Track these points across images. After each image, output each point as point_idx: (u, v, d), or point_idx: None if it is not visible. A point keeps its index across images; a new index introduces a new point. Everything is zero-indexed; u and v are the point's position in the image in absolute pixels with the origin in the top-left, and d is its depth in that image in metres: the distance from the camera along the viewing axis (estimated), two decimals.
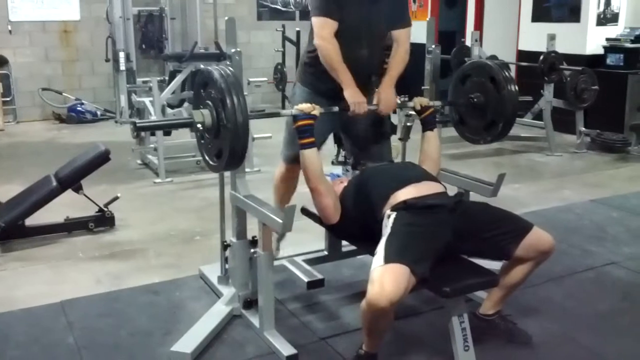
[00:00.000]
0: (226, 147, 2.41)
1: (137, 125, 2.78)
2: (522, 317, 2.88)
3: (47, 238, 4.03)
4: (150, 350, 2.74)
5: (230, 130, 2.35)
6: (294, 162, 3.01)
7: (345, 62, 2.74)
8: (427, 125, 3.02)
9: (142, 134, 5.94)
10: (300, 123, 2.62)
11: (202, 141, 2.60)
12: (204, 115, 2.45)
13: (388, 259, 2.29)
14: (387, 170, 2.85)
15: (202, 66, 6.45)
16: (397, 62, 3.03)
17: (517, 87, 2.93)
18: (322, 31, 2.82)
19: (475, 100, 3.01)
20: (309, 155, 2.64)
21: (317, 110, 2.64)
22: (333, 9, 2.81)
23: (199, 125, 2.46)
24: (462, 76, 3.11)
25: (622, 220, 4.50)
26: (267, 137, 5.17)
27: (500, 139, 3.06)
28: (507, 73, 2.96)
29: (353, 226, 2.74)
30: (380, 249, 2.36)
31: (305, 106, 2.63)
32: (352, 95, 2.76)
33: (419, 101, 3.00)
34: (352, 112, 2.80)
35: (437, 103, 3.03)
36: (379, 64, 3.10)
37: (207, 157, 2.61)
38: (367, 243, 2.70)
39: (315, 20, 2.84)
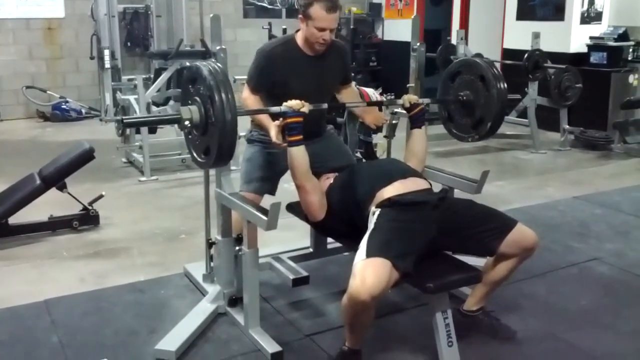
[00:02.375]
0: (214, 144, 2.39)
1: (124, 121, 2.74)
2: (505, 313, 2.91)
3: (30, 237, 4.01)
4: (135, 349, 2.74)
5: (219, 127, 2.33)
6: (258, 190, 3.02)
7: None
8: (416, 122, 3.00)
9: (127, 131, 5.91)
10: (289, 120, 2.60)
11: (190, 137, 2.58)
12: (191, 112, 2.43)
13: (370, 253, 2.31)
14: (373, 168, 2.86)
15: (188, 64, 6.47)
16: (354, 97, 3.23)
17: (506, 86, 2.92)
18: (245, 93, 2.98)
19: (464, 98, 3.01)
20: (296, 152, 2.62)
21: (306, 107, 2.62)
22: (259, 85, 2.95)
23: (186, 122, 2.43)
24: (452, 74, 3.11)
25: (605, 216, 4.54)
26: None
27: (488, 137, 3.06)
28: (496, 71, 2.96)
29: (339, 223, 2.75)
30: (363, 243, 2.37)
31: (294, 103, 2.60)
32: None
33: (408, 98, 2.97)
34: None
35: (427, 100, 3.03)
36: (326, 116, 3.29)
37: (194, 154, 2.58)
38: (352, 240, 2.70)
39: (245, 86, 3.00)
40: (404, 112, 3.54)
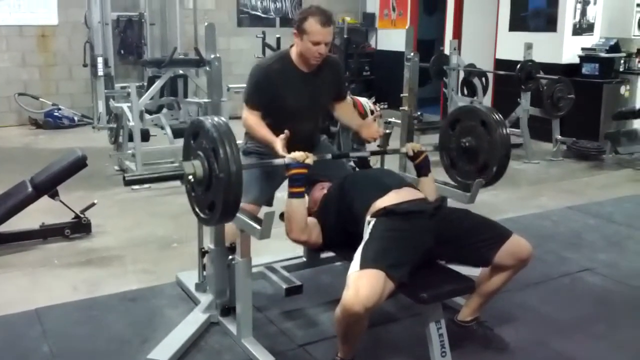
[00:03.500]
0: (219, 199, 2.30)
1: (126, 179, 2.65)
2: (498, 323, 2.90)
3: (22, 244, 3.98)
4: (127, 358, 2.72)
5: (224, 181, 2.25)
6: (256, 201, 3.01)
7: (291, 135, 2.74)
8: (422, 170, 2.95)
9: (120, 139, 5.90)
10: (293, 172, 2.56)
11: (193, 194, 2.48)
12: (195, 167, 2.35)
13: (364, 264, 2.30)
14: (368, 179, 2.84)
15: (181, 71, 6.47)
16: (351, 113, 3.30)
17: (508, 130, 2.90)
18: (245, 113, 2.97)
19: (466, 144, 2.97)
20: (296, 205, 2.59)
21: (310, 159, 2.58)
22: (258, 103, 2.95)
23: (190, 177, 2.36)
24: (452, 121, 3.08)
25: (597, 227, 4.56)
26: None
27: (494, 183, 3.01)
28: (497, 116, 2.92)
29: (333, 234, 2.74)
30: (358, 254, 2.37)
31: (298, 155, 2.57)
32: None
33: (411, 147, 2.94)
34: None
35: (429, 147, 3.01)
36: (320, 127, 3.35)
37: (197, 210, 2.48)
38: (346, 249, 2.70)
39: (244, 104, 3.00)
40: (398, 122, 3.57)
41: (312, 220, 2.73)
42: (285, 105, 2.92)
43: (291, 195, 2.58)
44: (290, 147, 2.71)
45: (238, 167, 2.26)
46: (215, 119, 2.37)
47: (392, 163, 3.51)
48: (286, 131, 2.67)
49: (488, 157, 2.91)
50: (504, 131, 2.88)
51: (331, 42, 2.95)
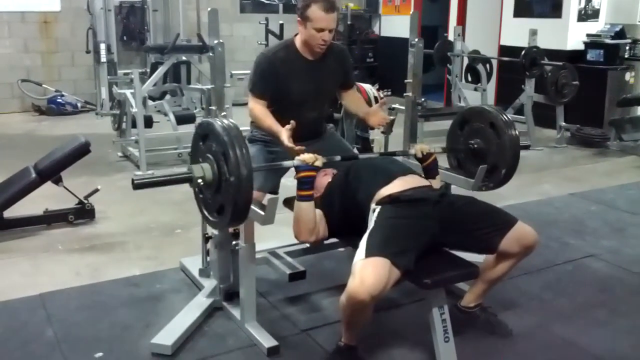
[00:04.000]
0: (229, 203, 2.26)
1: (135, 182, 2.62)
2: (501, 309, 2.91)
3: (25, 230, 3.99)
4: (130, 343, 2.73)
5: (234, 185, 2.21)
6: (261, 188, 2.98)
7: (297, 124, 2.73)
8: (430, 173, 2.91)
9: (123, 125, 5.90)
10: (302, 174, 2.53)
11: (201, 196, 2.44)
12: (204, 170, 2.31)
13: (369, 252, 2.30)
14: (373, 167, 2.82)
15: (184, 57, 6.45)
16: (357, 101, 3.26)
17: (517, 132, 2.86)
18: (251, 103, 2.96)
19: (475, 146, 2.94)
20: (305, 208, 2.57)
21: (319, 161, 2.55)
22: (264, 91, 2.94)
23: (199, 181, 2.32)
24: (460, 122, 3.05)
25: (600, 213, 4.55)
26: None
27: (502, 185, 2.99)
28: (506, 117, 2.88)
29: (338, 222, 2.73)
30: (363, 242, 2.36)
31: (307, 157, 2.54)
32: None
33: (420, 148, 2.90)
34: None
35: (438, 149, 2.98)
36: (325, 115, 3.32)
37: (206, 213, 2.44)
38: (349, 235, 2.71)
39: (249, 94, 2.99)
40: (402, 107, 3.56)
41: (318, 213, 2.71)
42: (290, 94, 2.91)
43: (300, 198, 2.56)
44: (295, 135, 2.71)
45: (249, 171, 2.22)
46: (225, 121, 2.33)
47: (395, 149, 3.50)
48: (292, 122, 2.66)
49: (496, 160, 2.88)
50: (513, 134, 2.84)
51: (335, 28, 2.94)
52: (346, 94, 3.20)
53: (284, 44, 3.08)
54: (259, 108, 2.94)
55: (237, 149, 2.21)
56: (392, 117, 3.72)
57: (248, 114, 3.01)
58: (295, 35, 3.00)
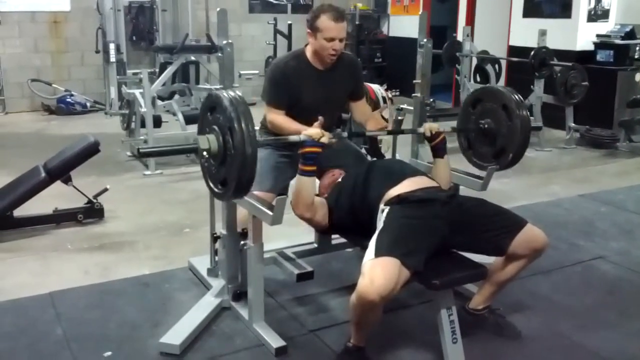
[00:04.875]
0: (232, 176, 2.29)
1: (141, 151, 2.66)
2: (510, 311, 2.90)
3: (35, 229, 4.01)
4: (139, 342, 2.74)
5: (238, 159, 2.23)
6: (272, 189, 3.00)
7: None
8: (438, 152, 2.91)
9: (132, 125, 5.92)
10: (307, 149, 2.53)
11: (206, 164, 2.46)
12: (209, 141, 2.33)
13: (379, 253, 2.29)
14: (381, 169, 2.82)
15: (192, 57, 6.47)
16: (365, 114, 3.21)
17: (529, 114, 2.84)
18: (270, 115, 2.97)
19: (485, 126, 2.94)
20: (306, 182, 2.58)
21: (325, 138, 2.55)
22: (281, 101, 2.95)
23: (204, 152, 2.34)
24: (473, 100, 3.05)
25: (610, 215, 4.53)
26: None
27: (509, 168, 2.97)
28: (519, 99, 2.86)
29: (347, 221, 2.73)
30: (372, 243, 2.36)
31: (314, 132, 2.54)
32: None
33: (429, 127, 2.88)
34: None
35: (447, 129, 2.97)
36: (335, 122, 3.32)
37: (211, 184, 2.47)
38: (357, 236, 2.71)
39: (266, 107, 3.00)
40: (410, 108, 3.55)
41: (320, 200, 2.74)
42: (300, 103, 2.93)
43: (302, 172, 2.57)
44: None
45: (253, 146, 2.24)
46: (232, 94, 2.35)
47: (403, 149, 3.50)
48: (320, 118, 2.64)
49: (506, 143, 2.88)
50: (525, 115, 2.83)
51: (345, 38, 2.95)
52: (355, 105, 3.19)
53: (295, 54, 3.09)
54: (280, 118, 2.95)
55: (243, 125, 2.23)
56: (400, 117, 3.73)
57: (269, 127, 3.01)
58: (306, 45, 3.02)
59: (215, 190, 2.46)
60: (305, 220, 2.72)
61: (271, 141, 3.01)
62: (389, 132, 3.18)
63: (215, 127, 2.35)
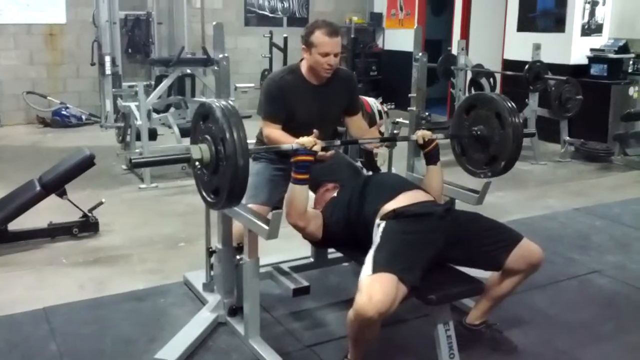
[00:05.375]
0: (225, 186, 2.29)
1: (133, 161, 2.67)
2: (506, 325, 2.89)
3: (30, 243, 3.99)
4: (134, 358, 2.72)
5: (230, 169, 2.24)
6: (267, 202, 3.00)
7: None
8: (431, 159, 2.93)
9: (128, 138, 5.91)
10: (299, 158, 2.53)
11: (199, 173, 2.46)
12: (202, 151, 2.34)
13: (376, 269, 2.29)
14: (376, 183, 2.82)
15: (188, 70, 6.48)
16: (361, 128, 3.21)
17: (522, 123, 2.86)
18: (267, 130, 2.96)
19: (478, 133, 2.95)
20: (299, 191, 2.57)
21: (318, 146, 2.54)
22: (277, 115, 2.95)
23: (196, 162, 2.35)
24: (467, 107, 3.06)
25: (605, 228, 4.54)
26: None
27: (501, 175, 2.99)
28: (512, 107, 2.87)
29: (342, 235, 2.73)
30: (369, 258, 2.35)
31: (306, 140, 2.53)
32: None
33: (422, 134, 2.89)
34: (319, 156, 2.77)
35: (440, 136, 2.99)
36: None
37: (203, 193, 2.47)
38: (353, 250, 2.70)
39: (263, 122, 3.00)
40: (406, 122, 3.56)
41: (314, 211, 2.74)
42: (295, 117, 2.93)
43: (295, 181, 2.55)
44: None
45: (245, 156, 2.25)
46: (224, 103, 2.36)
47: (399, 163, 3.50)
48: (315, 131, 2.64)
49: (498, 150, 2.90)
50: (517, 126, 2.84)
51: (340, 53, 2.96)
52: (351, 120, 3.18)
53: (290, 68, 3.09)
54: (277, 132, 2.94)
55: (234, 133, 2.24)
56: (396, 131, 3.74)
57: (265, 141, 3.00)
58: (301, 60, 3.03)
59: (208, 199, 2.47)
60: (299, 230, 2.71)
61: (263, 151, 3.01)
62: (382, 140, 3.19)
63: (208, 137, 2.36)
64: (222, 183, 2.32)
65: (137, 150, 5.69)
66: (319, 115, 2.97)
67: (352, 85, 3.20)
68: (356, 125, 3.20)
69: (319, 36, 2.85)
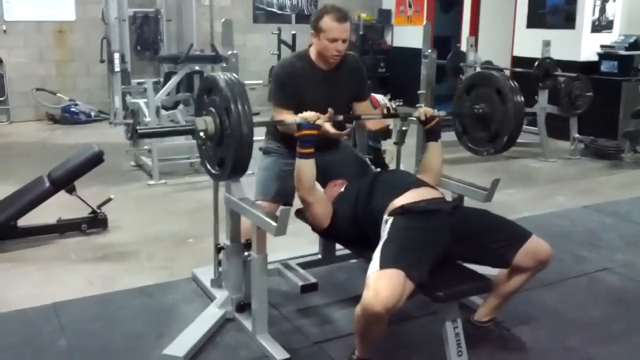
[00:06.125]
0: (229, 157, 2.32)
1: (138, 131, 2.72)
2: (515, 323, 2.88)
3: (39, 239, 4.01)
4: (142, 354, 2.73)
5: (235, 140, 2.26)
6: (276, 198, 2.99)
7: None
8: (432, 136, 2.96)
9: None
10: (303, 132, 2.55)
11: (203, 147, 2.50)
12: (206, 123, 2.36)
13: (383, 264, 2.29)
14: (385, 180, 2.82)
15: (197, 67, 6.49)
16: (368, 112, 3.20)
17: (523, 99, 2.88)
18: (280, 117, 2.92)
19: (480, 111, 2.96)
20: (305, 165, 2.59)
21: (321, 120, 2.57)
22: (288, 100, 2.92)
23: (201, 134, 2.37)
24: (468, 86, 3.07)
25: (615, 226, 4.51)
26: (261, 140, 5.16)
27: (504, 152, 3.00)
28: (513, 84, 2.90)
29: (349, 231, 2.73)
30: (377, 254, 2.35)
31: (309, 115, 2.57)
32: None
33: (424, 111, 2.92)
34: (335, 134, 2.79)
35: (442, 113, 3.00)
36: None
37: (208, 166, 2.51)
38: (361, 247, 2.70)
39: (275, 109, 2.98)
40: (414, 119, 3.55)
41: (324, 195, 2.75)
42: (304, 103, 2.91)
43: (300, 155, 2.58)
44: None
45: (250, 127, 2.26)
46: (229, 75, 2.37)
47: (407, 160, 3.49)
48: (330, 109, 2.64)
49: (500, 127, 2.90)
50: (519, 100, 2.85)
51: (348, 39, 2.95)
52: (359, 105, 3.18)
53: (299, 54, 3.09)
54: (290, 118, 2.88)
55: (239, 105, 2.25)
56: (405, 128, 3.72)
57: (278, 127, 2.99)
58: (310, 46, 3.01)
59: (213, 171, 2.50)
60: (306, 206, 2.69)
61: (276, 148, 3.02)
62: (384, 116, 3.17)
63: (212, 109, 2.38)
64: (226, 154, 2.35)
65: (145, 147, 5.70)
66: (327, 101, 2.93)
67: (361, 71, 3.19)
68: (363, 111, 3.18)
69: (327, 21, 2.84)
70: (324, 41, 2.86)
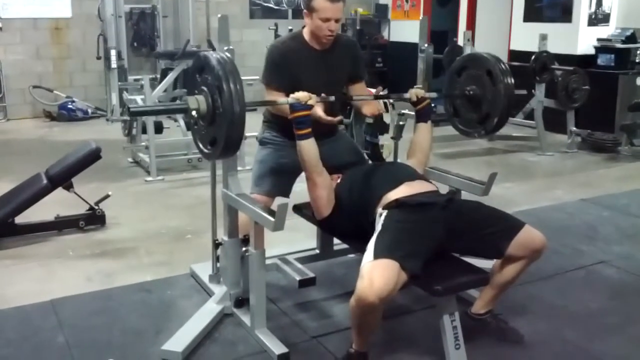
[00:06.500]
0: (221, 135, 2.32)
1: (131, 110, 2.70)
2: (513, 316, 2.89)
3: (37, 236, 4.01)
4: (141, 349, 2.73)
5: (227, 118, 2.27)
6: (270, 193, 3.00)
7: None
8: (422, 117, 3.02)
9: (134, 131, 5.92)
10: (297, 114, 2.57)
11: (196, 127, 2.50)
12: (198, 102, 2.37)
13: (377, 255, 2.30)
14: (380, 171, 2.84)
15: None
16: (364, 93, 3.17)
17: (512, 80, 2.90)
18: (270, 98, 2.91)
19: (470, 92, 2.99)
20: (306, 145, 2.60)
21: (313, 100, 2.58)
22: (280, 81, 2.90)
23: (193, 112, 2.37)
24: (459, 68, 3.09)
25: (612, 219, 4.52)
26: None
27: (494, 133, 3.04)
28: (503, 66, 2.93)
29: (346, 224, 2.74)
30: (371, 245, 2.37)
31: (301, 95, 2.57)
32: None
33: (415, 92, 2.97)
34: (327, 120, 2.79)
35: (433, 94, 3.03)
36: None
37: (200, 145, 2.51)
38: (359, 241, 2.70)
39: (265, 90, 2.97)
40: (412, 113, 3.55)
41: (330, 182, 2.75)
42: (300, 84, 2.86)
43: (299, 137, 2.59)
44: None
45: (242, 105, 2.26)
46: (221, 54, 2.37)
47: (404, 154, 3.49)
48: (322, 94, 2.64)
49: (490, 108, 2.93)
50: (509, 81, 2.88)
51: (341, 18, 2.94)
52: (354, 87, 3.15)
53: (292, 35, 3.08)
54: (281, 99, 2.86)
55: (231, 83, 2.26)
56: (402, 123, 3.73)
57: (266, 108, 2.97)
58: (303, 27, 2.99)
59: (205, 150, 2.50)
60: (314, 186, 2.68)
61: (272, 139, 3.02)
62: (376, 97, 3.15)
63: (204, 88, 2.38)
64: (218, 133, 2.35)
65: (143, 144, 5.70)
66: (324, 82, 2.92)
67: (356, 51, 3.17)
68: (356, 91, 3.15)
69: (320, 1, 2.81)
70: (317, 21, 2.84)
